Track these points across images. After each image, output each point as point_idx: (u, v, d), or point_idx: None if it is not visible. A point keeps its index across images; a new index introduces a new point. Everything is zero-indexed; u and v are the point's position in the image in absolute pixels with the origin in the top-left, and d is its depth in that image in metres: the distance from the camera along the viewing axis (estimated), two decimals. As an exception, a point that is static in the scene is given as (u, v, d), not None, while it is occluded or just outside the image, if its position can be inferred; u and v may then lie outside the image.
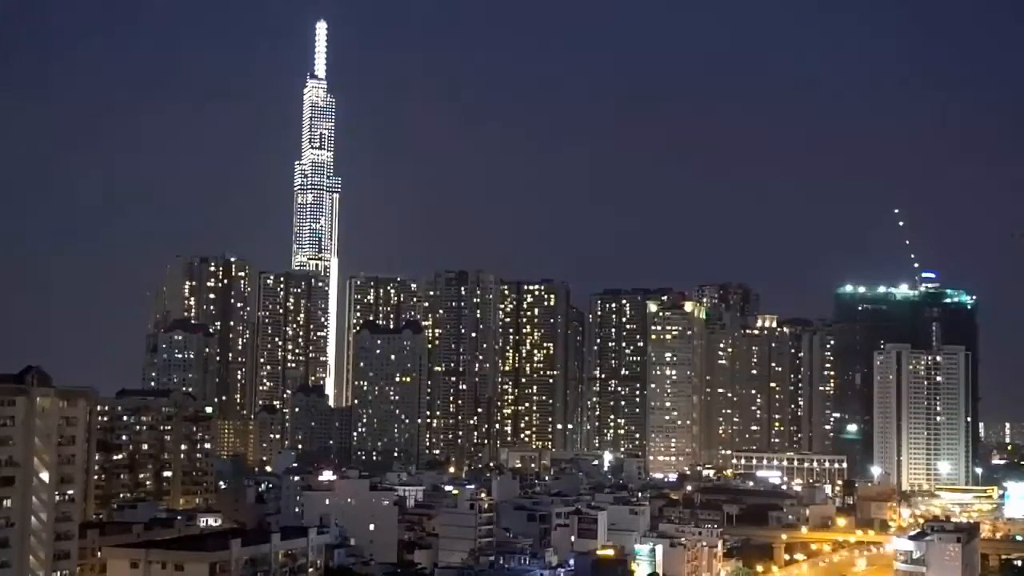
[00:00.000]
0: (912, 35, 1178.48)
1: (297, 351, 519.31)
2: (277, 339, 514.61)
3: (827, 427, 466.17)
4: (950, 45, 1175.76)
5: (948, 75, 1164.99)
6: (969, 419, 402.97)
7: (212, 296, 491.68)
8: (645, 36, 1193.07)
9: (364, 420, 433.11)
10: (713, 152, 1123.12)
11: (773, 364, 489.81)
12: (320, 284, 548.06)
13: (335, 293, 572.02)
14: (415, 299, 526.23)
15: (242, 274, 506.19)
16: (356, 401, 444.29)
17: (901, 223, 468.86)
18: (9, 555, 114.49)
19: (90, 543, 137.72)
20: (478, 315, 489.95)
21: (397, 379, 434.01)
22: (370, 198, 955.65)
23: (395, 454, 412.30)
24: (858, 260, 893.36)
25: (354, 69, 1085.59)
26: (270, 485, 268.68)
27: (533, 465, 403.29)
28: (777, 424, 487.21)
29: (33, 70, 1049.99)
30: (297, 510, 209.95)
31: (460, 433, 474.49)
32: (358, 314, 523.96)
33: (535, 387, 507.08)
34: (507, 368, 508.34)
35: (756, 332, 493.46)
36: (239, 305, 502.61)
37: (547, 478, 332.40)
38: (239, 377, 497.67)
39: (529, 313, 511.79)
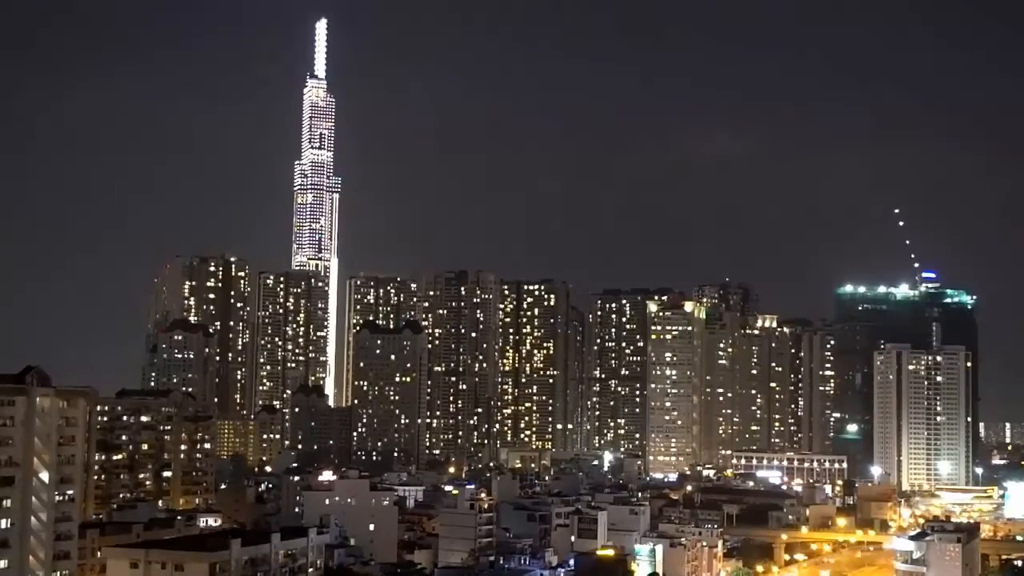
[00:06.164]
0: (911, 34, 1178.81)
1: (297, 351, 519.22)
2: (277, 339, 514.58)
3: (827, 427, 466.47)
4: (948, 43, 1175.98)
5: (947, 74, 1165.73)
6: (969, 419, 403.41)
7: (212, 296, 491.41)
8: (646, 36, 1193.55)
9: (364, 420, 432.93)
10: (712, 151, 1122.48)
11: (773, 364, 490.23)
12: (320, 284, 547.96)
13: (335, 293, 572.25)
14: (415, 299, 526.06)
15: (242, 274, 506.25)
16: (356, 401, 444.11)
17: (901, 223, 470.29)
18: (9, 555, 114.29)
19: (90, 543, 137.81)
20: (478, 315, 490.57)
21: (397, 379, 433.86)
22: (370, 198, 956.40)
23: (395, 454, 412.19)
24: (858, 260, 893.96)
25: (354, 69, 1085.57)
26: (270, 485, 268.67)
27: (533, 465, 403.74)
28: (777, 424, 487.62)
29: (28, 68, 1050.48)
30: (297, 510, 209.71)
31: (460, 433, 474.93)
32: (358, 314, 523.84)
33: (535, 387, 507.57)
34: (507, 368, 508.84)
35: (756, 332, 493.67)
36: (239, 305, 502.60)
37: (547, 478, 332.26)
38: (239, 377, 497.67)
39: (529, 313, 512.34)
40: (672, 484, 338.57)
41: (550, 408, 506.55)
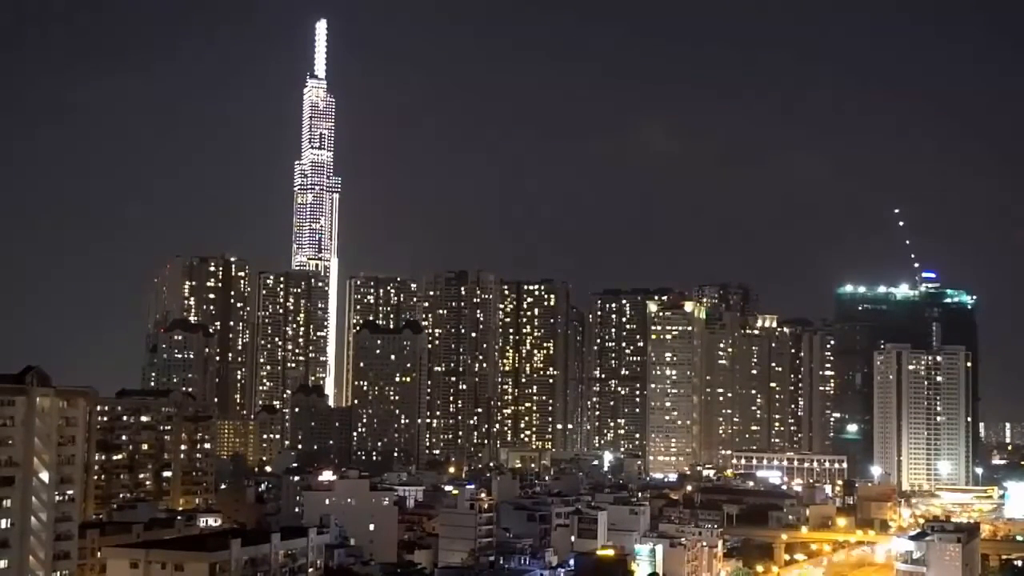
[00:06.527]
0: (913, 34, 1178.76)
1: (297, 351, 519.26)
2: (277, 339, 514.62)
3: (827, 427, 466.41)
4: (949, 43, 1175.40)
5: (946, 74, 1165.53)
6: (969, 419, 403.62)
7: (212, 296, 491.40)
8: (648, 35, 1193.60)
9: (364, 420, 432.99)
10: (713, 151, 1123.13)
11: (773, 364, 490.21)
12: (320, 284, 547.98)
13: (335, 293, 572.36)
14: (415, 299, 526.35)
15: (242, 274, 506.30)
16: (356, 401, 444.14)
17: (901, 223, 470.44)
18: (9, 555, 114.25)
19: (90, 543, 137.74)
20: (478, 315, 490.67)
21: (397, 379, 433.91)
22: (370, 198, 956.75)
23: (395, 454, 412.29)
24: (858, 260, 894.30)
25: (354, 69, 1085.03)
26: (270, 485, 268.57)
27: (533, 465, 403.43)
28: (777, 424, 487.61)
29: (27, 69, 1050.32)
30: (297, 510, 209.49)
31: (460, 433, 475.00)
32: (358, 314, 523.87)
33: (535, 387, 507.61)
34: (507, 368, 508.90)
35: (756, 332, 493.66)
36: (239, 305, 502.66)
37: (547, 478, 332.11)
38: (239, 377, 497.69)
39: (529, 313, 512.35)
40: (672, 484, 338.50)
41: (550, 408, 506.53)
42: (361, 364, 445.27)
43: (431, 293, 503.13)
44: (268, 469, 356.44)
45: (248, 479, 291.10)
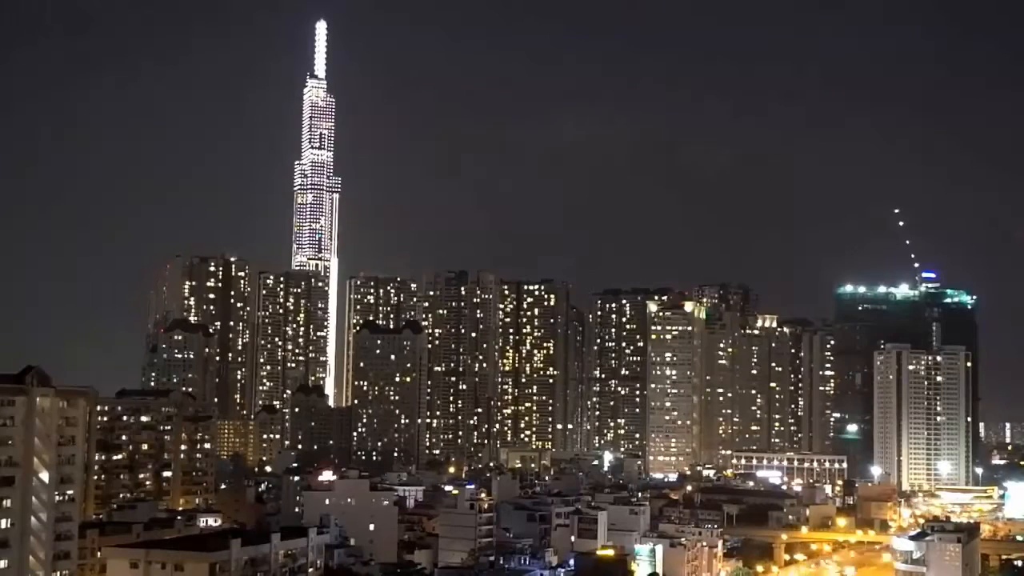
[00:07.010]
0: (910, 34, 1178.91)
1: (297, 351, 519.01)
2: (277, 339, 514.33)
3: (827, 427, 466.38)
4: (949, 43, 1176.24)
5: (946, 74, 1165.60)
6: (969, 419, 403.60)
7: (212, 296, 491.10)
8: (644, 43, 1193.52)
9: (364, 420, 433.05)
10: (713, 151, 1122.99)
11: (773, 364, 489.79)
12: (320, 284, 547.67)
13: (335, 293, 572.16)
14: (415, 299, 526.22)
15: (242, 274, 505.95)
16: (356, 401, 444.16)
17: (901, 223, 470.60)
18: (9, 555, 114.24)
19: (90, 543, 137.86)
20: (478, 315, 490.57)
21: (397, 379, 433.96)
22: (370, 198, 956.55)
23: (395, 454, 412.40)
24: (858, 260, 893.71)
25: (354, 69, 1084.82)
26: (270, 485, 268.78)
27: (533, 465, 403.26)
28: (777, 424, 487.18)
29: (28, 69, 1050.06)
30: (297, 510, 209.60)
31: (460, 433, 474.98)
32: (358, 314, 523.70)
33: (535, 387, 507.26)
34: (507, 368, 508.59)
35: (756, 332, 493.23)
36: (239, 305, 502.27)
37: (547, 478, 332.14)
38: (239, 377, 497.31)
39: (529, 313, 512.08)
40: (672, 484, 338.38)
41: (550, 408, 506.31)
42: (361, 364, 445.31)
43: (431, 293, 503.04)
44: (268, 469, 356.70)
45: (248, 479, 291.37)
